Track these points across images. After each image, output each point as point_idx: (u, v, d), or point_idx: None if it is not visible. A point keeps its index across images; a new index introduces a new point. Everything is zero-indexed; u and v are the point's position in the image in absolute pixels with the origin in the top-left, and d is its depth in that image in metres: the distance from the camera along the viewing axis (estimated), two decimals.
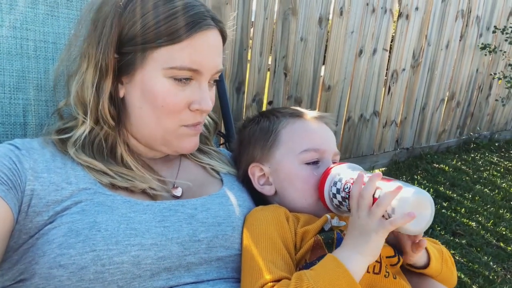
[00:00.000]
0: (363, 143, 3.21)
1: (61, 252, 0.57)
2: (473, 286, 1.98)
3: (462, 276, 2.05)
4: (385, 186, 0.62)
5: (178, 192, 0.76)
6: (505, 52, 3.88)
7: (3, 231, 0.56)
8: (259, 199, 0.84)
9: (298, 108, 0.90)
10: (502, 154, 4.37)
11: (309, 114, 0.87)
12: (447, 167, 3.62)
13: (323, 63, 2.70)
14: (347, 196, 0.69)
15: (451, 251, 2.26)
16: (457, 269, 2.11)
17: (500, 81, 4.10)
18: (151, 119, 0.72)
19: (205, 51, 0.72)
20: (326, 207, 0.76)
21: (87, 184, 0.66)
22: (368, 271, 0.63)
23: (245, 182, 0.86)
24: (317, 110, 2.77)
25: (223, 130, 1.22)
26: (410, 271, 0.75)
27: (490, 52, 3.63)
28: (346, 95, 2.93)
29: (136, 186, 0.70)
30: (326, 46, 2.66)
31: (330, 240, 0.69)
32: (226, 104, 1.22)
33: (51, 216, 0.61)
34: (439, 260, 0.72)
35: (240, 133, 0.91)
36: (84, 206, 0.62)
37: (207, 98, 0.73)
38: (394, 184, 0.62)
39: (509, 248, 2.37)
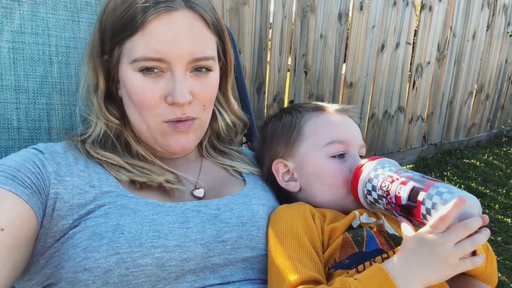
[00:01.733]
0: (389, 140, 3.13)
1: (86, 256, 0.57)
2: (511, 285, 1.89)
3: (499, 274, 1.96)
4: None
5: (200, 193, 0.74)
6: None
7: (28, 234, 0.57)
8: (284, 197, 0.81)
9: (320, 102, 0.87)
10: None
11: (332, 107, 0.84)
12: (478, 162, 3.49)
13: (344, 60, 2.66)
14: (384, 194, 0.66)
15: None
16: None
17: None
18: (136, 116, 0.72)
19: (165, 37, 0.66)
20: (359, 203, 0.73)
21: (110, 187, 0.65)
22: None
23: (269, 180, 0.84)
24: None
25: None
26: None
27: None
28: (369, 91, 2.87)
29: (153, 179, 0.69)
30: (346, 42, 2.61)
31: (360, 238, 0.66)
32: (246, 102, 1.20)
33: (75, 219, 0.61)
34: (486, 258, 0.67)
35: (263, 130, 0.89)
36: (107, 209, 0.62)
37: (181, 88, 0.67)
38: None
39: None
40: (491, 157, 3.68)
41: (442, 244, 0.54)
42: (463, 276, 0.68)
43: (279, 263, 0.61)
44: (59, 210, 0.61)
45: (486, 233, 0.57)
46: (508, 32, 3.65)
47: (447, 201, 0.57)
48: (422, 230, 0.57)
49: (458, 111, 3.64)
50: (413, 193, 0.62)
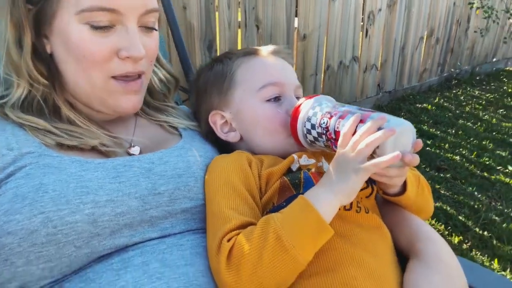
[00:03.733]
0: (345, 91, 3.18)
1: (7, 219, 0.55)
2: (459, 217, 2.04)
3: (448, 208, 2.11)
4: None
5: (135, 151, 0.72)
6: None
7: None
8: (228, 151, 0.80)
9: (252, 47, 0.85)
10: (484, 87, 4.40)
11: (264, 49, 0.82)
12: (429, 106, 3.64)
13: (296, 12, 2.61)
14: (324, 131, 0.67)
15: (436, 186, 2.31)
16: (443, 202, 2.16)
17: (477, 11, 4.03)
18: (78, 74, 0.67)
19: None
20: (299, 144, 0.73)
21: (30, 148, 0.62)
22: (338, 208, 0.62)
23: (209, 135, 0.82)
24: (294, 61, 2.71)
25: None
26: (383, 201, 0.74)
27: None
28: (323, 43, 2.86)
29: (86, 143, 0.66)
30: None
31: (297, 180, 0.66)
32: (184, 56, 1.14)
33: None
34: (415, 187, 0.70)
35: (195, 83, 0.86)
36: (28, 170, 0.58)
37: (138, 43, 0.65)
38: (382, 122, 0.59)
39: (493, 177, 2.44)
40: (442, 100, 3.84)
41: (342, 154, 0.58)
42: (396, 208, 0.72)
43: (214, 212, 0.62)
44: None
45: (391, 158, 0.55)
46: None
47: (381, 128, 0.58)
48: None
49: (410, 57, 3.73)
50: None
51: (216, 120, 0.79)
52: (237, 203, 0.62)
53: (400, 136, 0.59)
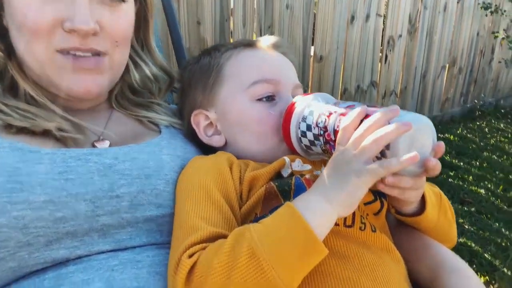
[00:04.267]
0: None
1: None
2: (485, 255, 1.85)
3: (473, 245, 1.92)
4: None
5: (103, 145, 0.62)
6: (505, 11, 3.67)
7: None
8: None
9: (246, 39, 0.75)
10: (509, 120, 4.20)
11: (260, 41, 0.71)
12: (452, 136, 3.47)
13: (313, 32, 2.55)
14: (321, 132, 0.55)
15: (460, 220, 2.12)
16: (467, 238, 1.98)
17: (502, 41, 3.90)
18: (22, 46, 0.58)
19: None
20: (293, 150, 0.62)
21: None
22: (337, 224, 0.49)
23: (193, 136, 0.71)
24: (310, 83, 2.63)
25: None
26: (398, 224, 0.61)
27: (491, 12, 3.44)
28: (340, 65, 2.77)
29: (38, 125, 0.56)
30: (314, 13, 2.50)
31: (287, 187, 0.54)
32: (179, 45, 1.01)
33: None
34: (436, 206, 0.57)
35: (180, 77, 0.76)
36: None
37: (85, 14, 0.55)
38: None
39: None
40: (465, 131, 3.67)
41: (341, 152, 0.46)
42: (412, 232, 0.58)
43: (181, 220, 0.50)
44: None
45: (405, 161, 0.44)
46: (479, 4, 3.60)
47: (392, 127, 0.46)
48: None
49: (432, 86, 3.60)
50: None
51: (199, 121, 0.69)
52: (209, 212, 0.50)
53: (417, 135, 0.47)
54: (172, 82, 0.81)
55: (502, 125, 3.98)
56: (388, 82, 3.18)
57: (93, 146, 0.61)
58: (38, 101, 0.60)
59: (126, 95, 0.74)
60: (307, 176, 0.57)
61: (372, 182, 0.46)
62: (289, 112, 0.60)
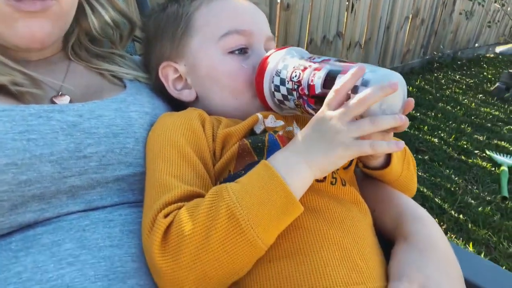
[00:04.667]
0: None
1: None
2: (435, 199, 2.01)
3: (425, 190, 2.07)
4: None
5: (63, 100, 0.57)
6: None
7: None
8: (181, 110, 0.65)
9: None
10: (464, 72, 4.38)
11: None
12: (411, 88, 3.59)
13: None
14: (295, 87, 0.55)
15: None
16: (419, 184, 2.12)
17: None
18: None
19: None
20: (266, 105, 0.61)
21: None
22: None
23: (161, 90, 0.67)
24: (276, 33, 2.57)
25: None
26: (363, 175, 0.64)
27: None
28: (307, 15, 2.72)
29: None
30: None
31: (260, 143, 0.54)
32: None
33: None
34: (400, 160, 0.60)
35: (145, 26, 0.71)
36: None
37: None
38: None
39: (470, 160, 2.41)
40: (423, 83, 3.80)
41: (330, 119, 0.46)
42: (377, 184, 0.62)
43: (153, 179, 0.50)
44: None
45: (394, 146, 0.47)
46: None
47: (369, 83, 0.47)
48: (317, 112, 0.49)
49: (395, 37, 3.64)
50: (329, 77, 0.51)
51: (167, 74, 0.65)
52: (182, 169, 0.50)
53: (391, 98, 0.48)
54: (133, 28, 0.75)
55: (458, 77, 4.15)
56: (353, 33, 3.17)
57: (52, 102, 0.57)
58: None
59: (84, 45, 0.68)
60: (280, 132, 0.57)
61: (356, 156, 0.47)
62: (262, 66, 0.59)
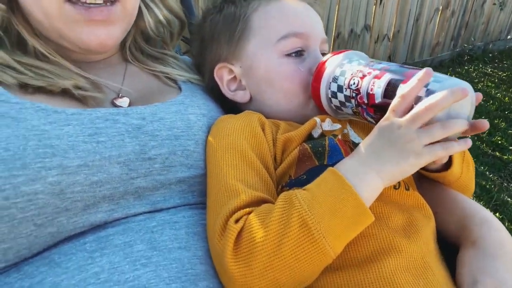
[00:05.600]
0: None
1: None
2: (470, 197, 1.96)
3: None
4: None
5: (123, 102, 0.59)
6: None
7: None
8: (233, 112, 0.66)
9: None
10: (496, 64, 4.23)
11: None
12: None
13: None
14: (353, 94, 0.54)
15: None
16: None
17: None
18: None
19: None
20: (322, 109, 0.61)
21: None
22: None
23: (214, 91, 0.68)
24: None
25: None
26: (420, 176, 0.62)
27: None
28: (335, 7, 2.68)
29: (55, 83, 0.53)
30: None
31: (321, 148, 0.54)
32: None
33: None
34: (460, 161, 0.58)
35: (200, 28, 0.71)
36: None
37: None
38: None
39: (505, 157, 2.33)
40: (453, 75, 3.69)
41: (399, 127, 0.45)
42: (434, 185, 0.60)
43: (217, 183, 0.50)
44: None
45: (464, 143, 0.47)
46: None
47: (433, 93, 0.46)
48: (382, 119, 0.48)
49: (424, 29, 3.55)
50: (391, 87, 0.50)
51: (222, 75, 0.66)
52: (247, 174, 0.50)
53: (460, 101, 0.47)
54: (183, 27, 0.75)
55: (489, 70, 4.02)
56: (381, 25, 3.10)
57: (113, 104, 0.59)
58: (49, 58, 0.56)
59: (139, 45, 0.70)
60: (339, 136, 0.57)
61: (429, 162, 0.46)
62: (319, 71, 0.59)
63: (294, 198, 0.44)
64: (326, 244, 0.42)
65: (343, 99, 0.56)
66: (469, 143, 0.47)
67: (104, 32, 0.56)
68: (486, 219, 0.54)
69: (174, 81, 0.68)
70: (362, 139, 0.57)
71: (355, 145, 0.56)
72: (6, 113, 0.46)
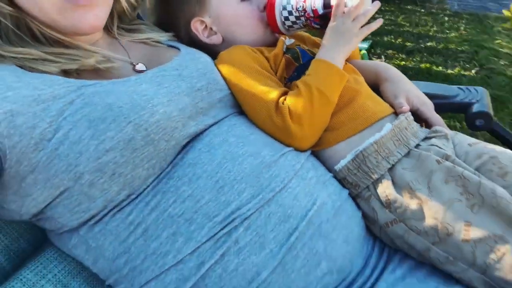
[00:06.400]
0: None
1: (99, 141, 0.57)
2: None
3: None
4: None
5: (143, 67, 0.73)
6: None
7: None
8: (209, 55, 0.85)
9: None
10: None
11: None
12: None
13: None
14: (301, 14, 0.78)
15: None
16: None
17: None
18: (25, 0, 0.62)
19: None
20: (277, 32, 0.83)
21: (56, 85, 0.59)
22: None
23: (190, 43, 0.85)
24: None
25: None
26: None
27: None
28: None
29: (85, 63, 0.64)
30: None
31: (295, 54, 0.79)
32: None
33: (48, 126, 0.56)
34: None
35: None
36: (81, 101, 0.59)
37: None
38: None
39: None
40: None
41: (343, 24, 0.73)
42: (350, 61, 0.88)
43: (252, 92, 0.72)
44: (20, 126, 0.55)
45: (378, 22, 0.77)
46: None
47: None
48: (329, 23, 0.75)
49: None
50: (326, 0, 0.75)
51: (197, 27, 0.85)
52: (267, 82, 0.73)
53: None
54: None
55: None
56: None
57: (135, 70, 0.72)
58: (62, 42, 0.66)
59: (120, 25, 0.81)
60: (300, 45, 0.83)
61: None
62: (270, 5, 0.81)
63: (306, 81, 0.71)
64: (333, 99, 0.70)
65: (294, 19, 0.80)
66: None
67: (92, 15, 0.65)
68: (386, 65, 0.85)
69: (159, 42, 0.82)
70: (303, 46, 0.85)
71: (304, 49, 0.83)
72: (96, 91, 0.60)
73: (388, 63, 2.31)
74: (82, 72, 0.65)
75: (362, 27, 0.73)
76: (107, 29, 0.77)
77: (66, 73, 0.64)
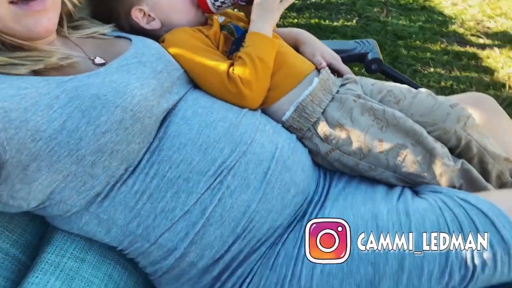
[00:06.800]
0: None
1: (95, 126, 0.63)
2: None
3: None
4: None
5: (100, 60, 0.78)
6: None
7: None
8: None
9: None
10: None
11: None
12: None
13: None
14: None
15: None
16: None
17: None
18: None
19: None
20: (208, 12, 0.93)
21: (38, 84, 0.64)
22: None
23: (131, 31, 0.92)
24: None
25: None
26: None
27: None
28: None
29: (49, 62, 0.69)
30: None
31: (230, 30, 0.92)
32: None
33: (41, 117, 0.61)
34: None
35: None
36: (65, 96, 0.63)
37: None
38: None
39: None
40: None
41: (266, 0, 0.87)
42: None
43: (205, 66, 0.82)
44: (13, 120, 0.60)
45: None
46: None
47: None
48: (254, 1, 0.87)
49: None
50: None
51: (137, 15, 0.92)
52: (214, 57, 0.84)
53: None
54: None
55: None
56: None
57: (94, 64, 0.77)
58: (23, 46, 0.70)
59: (64, 23, 0.84)
60: (231, 21, 0.95)
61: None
62: None
63: (247, 51, 0.82)
64: (271, 64, 0.84)
65: (223, 0, 0.91)
66: None
67: (45, 20, 0.70)
68: (301, 30, 1.03)
69: (104, 34, 0.88)
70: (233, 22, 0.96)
71: (236, 24, 0.95)
72: (76, 86, 0.65)
73: (283, 22, 2.56)
74: (50, 71, 0.70)
75: (281, 1, 0.87)
76: (57, 29, 0.81)
77: (36, 73, 0.69)
